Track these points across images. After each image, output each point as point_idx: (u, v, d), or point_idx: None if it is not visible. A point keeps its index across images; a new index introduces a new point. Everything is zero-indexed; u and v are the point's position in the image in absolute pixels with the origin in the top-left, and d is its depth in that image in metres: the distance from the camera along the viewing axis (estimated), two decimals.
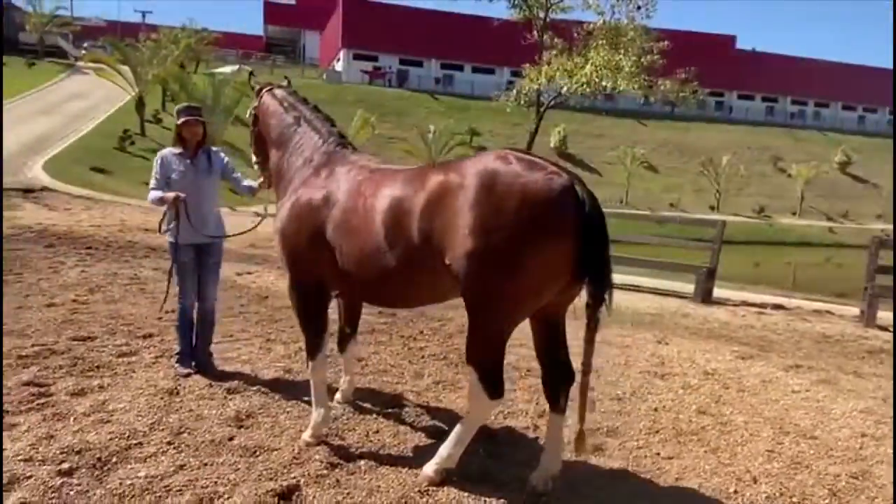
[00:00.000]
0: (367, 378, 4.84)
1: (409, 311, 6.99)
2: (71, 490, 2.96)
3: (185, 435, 3.62)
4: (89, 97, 28.62)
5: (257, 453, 3.48)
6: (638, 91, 15.73)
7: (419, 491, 3.20)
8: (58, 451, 3.28)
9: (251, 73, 4.84)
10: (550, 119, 41.50)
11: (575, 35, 18.43)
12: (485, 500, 3.16)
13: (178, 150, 4.52)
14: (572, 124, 46.01)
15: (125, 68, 24.42)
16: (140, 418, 3.77)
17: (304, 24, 68.19)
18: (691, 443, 4.08)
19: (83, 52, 34.45)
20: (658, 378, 5.35)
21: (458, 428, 3.31)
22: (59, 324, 5.65)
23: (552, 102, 19.51)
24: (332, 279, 3.60)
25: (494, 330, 3.07)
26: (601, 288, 2.96)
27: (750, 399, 4.97)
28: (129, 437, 3.53)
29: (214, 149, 4.72)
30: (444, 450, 3.30)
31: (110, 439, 3.47)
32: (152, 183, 4.46)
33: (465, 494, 3.20)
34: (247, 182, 4.68)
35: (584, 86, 15.76)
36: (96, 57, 26.84)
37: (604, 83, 15.71)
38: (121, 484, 3.04)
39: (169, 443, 3.50)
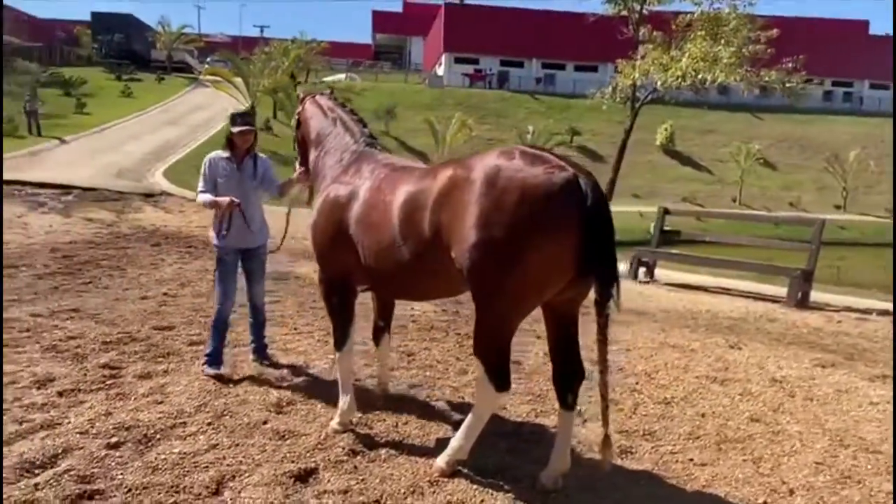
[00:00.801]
0: (410, 372, 4.96)
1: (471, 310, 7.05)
2: (112, 461, 3.28)
3: (226, 417, 3.89)
4: (209, 108, 30.84)
5: (286, 437, 3.69)
6: (738, 83, 14.82)
7: (429, 481, 3.27)
8: (111, 427, 3.63)
9: (297, 83, 5.08)
10: (656, 115, 40.09)
11: (673, 27, 17.69)
12: (492, 494, 3.18)
13: (226, 155, 4.67)
14: (680, 120, 44.09)
15: (239, 80, 26.24)
16: (190, 401, 4.09)
17: (410, 31, 69.80)
18: (733, 451, 3.87)
19: (206, 66, 37.15)
20: (716, 383, 5.09)
21: (467, 420, 3.36)
22: (146, 314, 6.19)
23: (648, 98, 18.81)
24: (357, 273, 3.73)
25: (497, 323, 3.10)
26: (607, 284, 2.92)
27: (815, 409, 4.62)
28: (175, 416, 3.85)
29: (261, 155, 4.87)
30: (454, 441, 3.36)
31: (159, 418, 3.80)
32: (201, 185, 4.62)
33: (474, 487, 3.23)
34: (277, 182, 4.77)
35: (680, 79, 15.09)
36: (214, 70, 28.92)
37: (700, 76, 14.96)
38: (156, 458, 3.33)
39: (209, 423, 3.79)
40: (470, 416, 3.36)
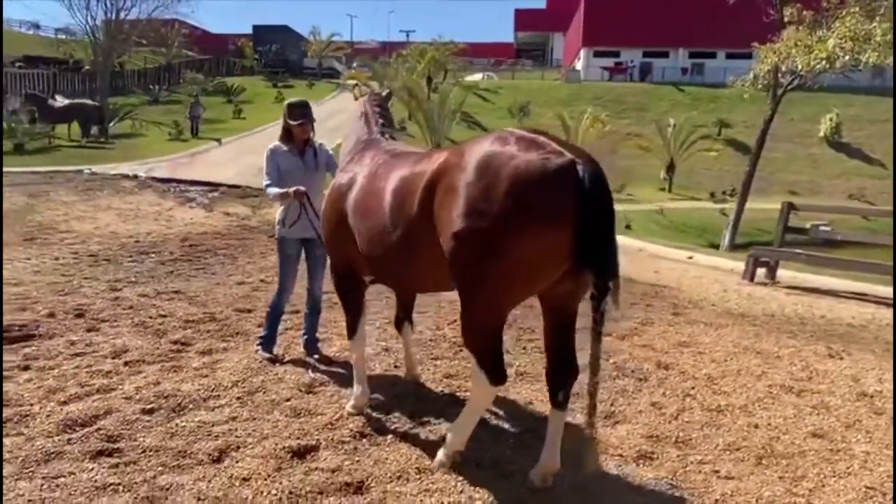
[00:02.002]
0: (453, 362, 4.94)
1: None
2: (140, 425, 3.60)
3: (258, 394, 4.13)
4: (348, 112, 32.35)
5: (301, 415, 3.84)
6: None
7: (417, 468, 3.26)
8: (152, 395, 3.99)
9: (356, 85, 5.23)
10: (822, 104, 36.42)
11: (824, 4, 15.91)
12: (474, 485, 3.11)
13: (286, 147, 4.71)
14: (851, 109, 39.71)
15: (375, 84, 27.44)
16: (231, 376, 4.38)
17: (552, 28, 68.99)
18: (773, 467, 3.46)
19: (351, 71, 39.27)
20: (790, 393, 4.57)
21: (463, 412, 3.30)
22: (236, 298, 6.70)
23: (793, 84, 17.08)
24: (359, 262, 3.70)
25: (482, 315, 3.00)
26: (603, 276, 2.71)
27: None
28: (212, 389, 4.14)
29: (319, 143, 4.89)
30: (449, 435, 3.31)
31: (197, 390, 4.11)
32: (266, 179, 4.64)
33: (461, 479, 3.17)
34: None
35: (824, 62, 13.46)
36: (352, 75, 30.45)
37: (846, 57, 13.24)
38: (178, 425, 3.62)
39: (238, 398, 4.04)
40: (465, 408, 3.30)
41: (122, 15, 30.72)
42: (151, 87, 35.63)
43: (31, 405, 3.76)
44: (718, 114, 39.46)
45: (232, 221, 13.04)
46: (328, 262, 4.24)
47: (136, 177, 18.00)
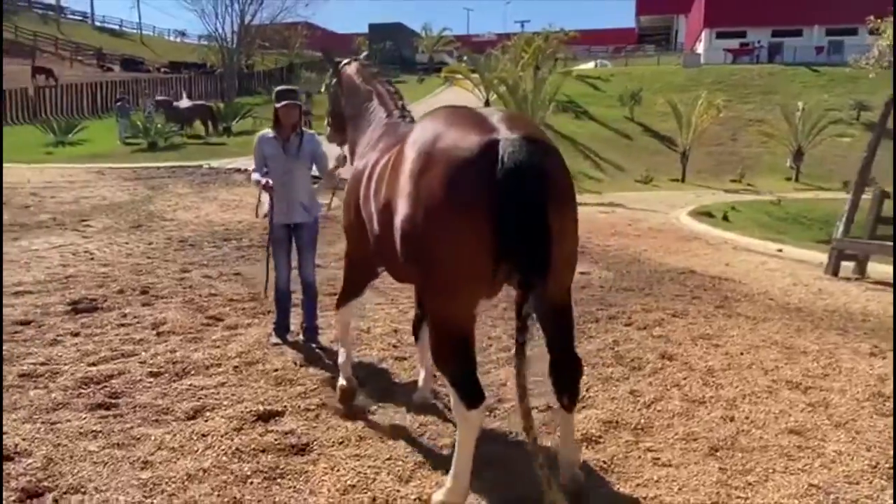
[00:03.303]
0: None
1: (617, 307, 6.84)
2: (142, 386, 4.10)
3: (256, 365, 4.52)
4: (452, 103, 32.95)
5: (282, 384, 4.19)
6: None
7: (360, 436, 3.49)
8: (163, 361, 4.50)
9: (326, 52, 4.94)
10: None
11: None
12: (402, 455, 3.28)
13: (272, 133, 4.85)
14: None
15: (476, 76, 27.72)
16: (239, 348, 4.81)
17: (676, 10, 65.73)
18: (723, 459, 3.35)
19: (462, 65, 39.79)
20: (796, 390, 4.31)
21: (455, 451, 2.82)
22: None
23: None
24: (371, 252, 3.42)
25: (437, 323, 2.71)
26: (527, 271, 2.38)
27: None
28: (217, 359, 4.59)
29: (309, 132, 5.04)
30: (449, 479, 2.81)
31: (204, 359, 4.57)
32: (253, 165, 4.94)
33: (392, 446, 3.37)
34: (329, 166, 4.86)
35: None
36: (451, 68, 30.86)
37: None
38: (172, 387, 4.08)
39: (235, 367, 4.46)
40: (456, 446, 2.81)
41: (247, 21, 33.06)
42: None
43: (64, 365, 4.38)
44: (856, 95, 35.96)
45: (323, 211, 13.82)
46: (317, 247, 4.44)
47: (246, 171, 19.46)
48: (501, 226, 2.38)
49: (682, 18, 64.93)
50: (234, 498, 2.85)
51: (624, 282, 7.79)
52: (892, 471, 3.22)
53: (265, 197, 4.86)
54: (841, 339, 5.51)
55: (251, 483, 2.99)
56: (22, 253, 8.32)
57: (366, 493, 2.94)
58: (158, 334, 5.11)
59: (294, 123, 4.90)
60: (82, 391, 3.96)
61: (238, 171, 19.34)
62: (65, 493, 2.86)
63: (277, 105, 4.82)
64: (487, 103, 28.33)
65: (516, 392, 2.42)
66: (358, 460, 3.24)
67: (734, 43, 46.47)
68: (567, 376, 2.82)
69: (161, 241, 9.64)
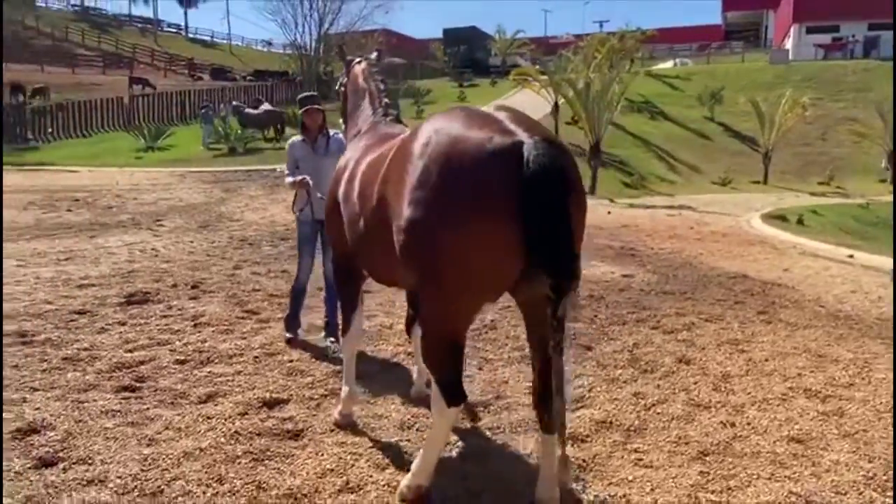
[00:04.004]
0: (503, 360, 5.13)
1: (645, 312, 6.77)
2: (167, 372, 4.41)
3: (275, 356, 4.77)
4: (525, 107, 32.89)
5: (294, 375, 4.41)
6: None
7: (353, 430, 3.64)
8: (192, 350, 4.82)
9: (340, 47, 5.18)
10: None
11: None
12: (386, 447, 3.41)
13: (301, 137, 5.16)
14: None
15: (545, 77, 27.54)
16: (264, 340, 5.09)
17: (765, 5, 62.76)
18: (709, 464, 3.28)
19: (536, 66, 39.61)
20: (812, 398, 4.14)
21: (426, 440, 2.99)
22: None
23: None
24: (350, 252, 3.43)
25: (434, 323, 2.69)
26: (558, 277, 2.36)
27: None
28: (241, 349, 4.87)
29: (333, 132, 5.22)
30: (414, 465, 2.93)
31: (229, 349, 4.87)
32: (286, 169, 5.20)
33: (378, 436, 3.49)
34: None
35: None
36: (522, 70, 30.73)
37: None
38: (194, 374, 4.37)
39: (255, 357, 4.72)
40: (427, 435, 2.99)
41: (325, 29, 34.21)
42: None
43: (104, 351, 4.77)
44: None
45: None
46: None
47: None
48: (530, 228, 2.35)
49: (772, 14, 61.97)
50: (219, 475, 3.07)
51: (667, 285, 7.62)
52: (889, 483, 3.07)
53: (302, 193, 5.08)
54: (882, 349, 5.21)
55: (239, 463, 3.20)
56: (96, 249, 9.02)
57: (341, 476, 3.09)
58: (195, 325, 5.47)
59: (319, 126, 5.17)
60: (113, 375, 4.32)
61: None
62: (74, 463, 3.16)
63: (300, 111, 5.15)
64: (556, 106, 28.06)
65: (554, 390, 2.48)
66: (342, 447, 3.39)
67: (826, 38, 43.90)
68: (552, 397, 2.64)
69: (223, 240, 10.19)
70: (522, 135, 2.44)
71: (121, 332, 5.23)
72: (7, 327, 5.21)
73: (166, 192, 16.59)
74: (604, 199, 19.65)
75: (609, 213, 16.40)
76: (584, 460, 3.30)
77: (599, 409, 3.94)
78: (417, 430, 3.63)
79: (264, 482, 3.03)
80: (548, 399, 2.69)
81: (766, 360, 4.86)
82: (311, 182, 4.96)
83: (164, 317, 5.73)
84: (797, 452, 3.39)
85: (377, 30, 44.33)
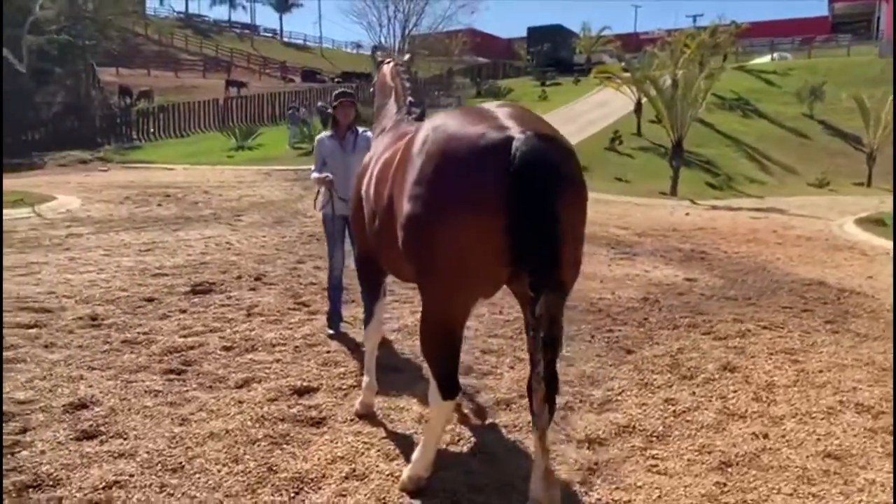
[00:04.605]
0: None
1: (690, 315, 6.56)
2: (213, 357, 4.64)
3: (315, 347, 4.93)
4: (609, 105, 32.14)
5: (328, 365, 4.54)
6: None
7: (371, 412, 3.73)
8: (239, 338, 5.06)
9: (375, 48, 5.26)
10: None
11: None
12: (400, 441, 3.47)
13: (330, 133, 5.23)
14: None
15: (628, 75, 26.77)
16: (308, 331, 5.27)
17: None
18: (728, 475, 3.14)
19: (620, 64, 38.69)
20: (863, 413, 3.87)
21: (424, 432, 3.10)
22: None
23: None
24: (372, 249, 3.44)
25: (430, 315, 2.75)
26: (537, 274, 2.35)
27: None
28: (286, 339, 5.07)
29: (362, 129, 5.27)
30: (414, 457, 3.03)
31: (274, 338, 5.07)
32: (313, 165, 5.29)
33: (393, 429, 3.56)
34: None
35: None
36: (602, 68, 29.98)
37: None
38: (236, 360, 4.59)
39: (296, 347, 4.90)
40: (425, 427, 3.10)
41: (408, 31, 34.79)
42: (434, 92, 39.69)
43: (161, 336, 5.09)
44: None
45: None
46: None
47: None
48: (514, 224, 2.35)
49: (885, 4, 57.55)
50: (236, 456, 3.23)
51: (731, 290, 7.29)
52: None
53: (325, 191, 5.22)
54: None
55: (258, 445, 3.35)
56: (176, 242, 9.60)
57: (350, 464, 3.18)
58: (248, 315, 5.73)
59: (350, 122, 5.26)
60: (164, 358, 4.60)
61: None
62: (111, 437, 3.41)
63: (334, 104, 5.22)
64: (639, 104, 27.29)
65: (533, 382, 2.46)
66: (357, 436, 3.48)
67: None
68: (550, 395, 2.57)
69: (293, 235, 10.58)
70: (515, 130, 2.44)
71: (179, 319, 5.56)
72: (81, 311, 5.67)
73: (250, 189, 17.38)
74: (684, 201, 18.96)
75: (687, 214, 15.82)
76: (595, 463, 3.24)
77: (625, 413, 3.84)
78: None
79: (276, 465, 3.16)
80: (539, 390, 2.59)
81: (821, 371, 4.58)
82: (334, 181, 5.01)
83: (223, 306, 6.04)
84: (830, 469, 3.19)
85: (460, 30, 44.63)
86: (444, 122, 2.64)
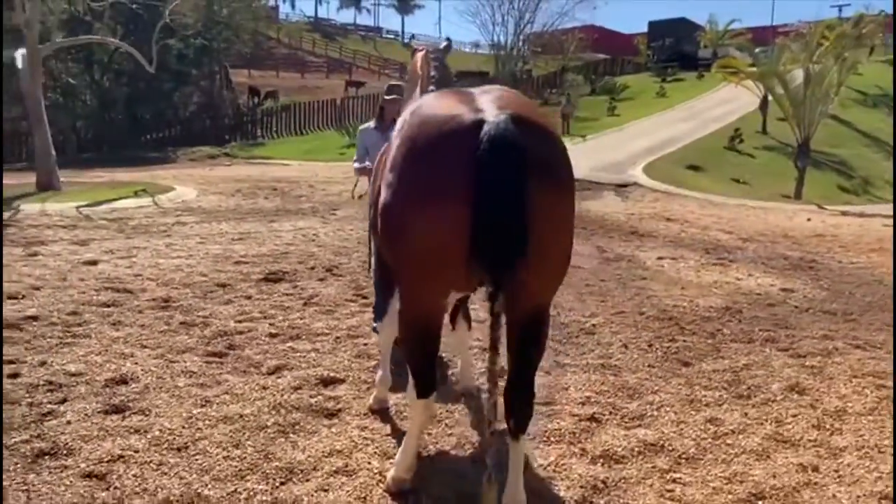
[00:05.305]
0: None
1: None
2: (256, 343, 4.77)
3: (355, 339, 4.92)
4: (733, 102, 30.08)
5: (360, 357, 4.52)
6: None
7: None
8: (287, 326, 5.15)
9: (410, 38, 5.07)
10: None
11: None
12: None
13: (373, 125, 5.19)
14: None
15: (754, 69, 24.82)
16: (353, 323, 5.28)
17: None
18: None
19: (747, 58, 36.17)
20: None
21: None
22: None
23: None
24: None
25: (403, 307, 2.67)
26: (492, 270, 2.19)
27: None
28: (331, 329, 5.10)
29: None
30: (396, 458, 2.95)
31: (320, 328, 5.13)
32: (356, 155, 5.24)
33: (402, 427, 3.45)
34: None
35: None
36: (724, 62, 28.00)
37: None
38: (275, 347, 4.68)
39: (337, 338, 4.91)
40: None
41: (521, 28, 34.45)
42: (547, 91, 39.09)
43: (218, 320, 5.30)
44: None
45: None
46: None
47: None
48: (474, 212, 2.20)
49: None
50: (239, 441, 3.26)
51: (832, 304, 6.54)
52: None
53: (363, 180, 5.20)
54: None
55: (264, 432, 3.37)
56: (269, 232, 10.04)
57: (344, 459, 3.12)
58: (305, 304, 5.85)
59: (394, 116, 5.21)
60: (211, 341, 4.78)
61: None
62: (134, 412, 3.57)
63: (386, 97, 5.19)
64: (765, 99, 25.36)
65: (487, 385, 2.31)
66: (362, 431, 3.42)
67: None
68: (516, 405, 2.55)
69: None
70: (489, 113, 2.27)
71: (241, 305, 5.77)
72: (158, 293, 6.03)
73: (353, 184, 17.89)
74: (810, 205, 17.36)
75: (809, 220, 14.45)
76: (603, 482, 2.97)
77: (657, 430, 3.51)
78: (446, 425, 3.53)
79: (273, 453, 3.16)
80: (511, 401, 2.54)
81: None
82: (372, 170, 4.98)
83: (285, 294, 6.21)
84: None
85: (578, 26, 43.61)
86: (420, 106, 2.56)
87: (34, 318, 5.12)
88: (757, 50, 28.36)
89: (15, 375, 3.95)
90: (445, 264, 2.36)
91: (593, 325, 5.41)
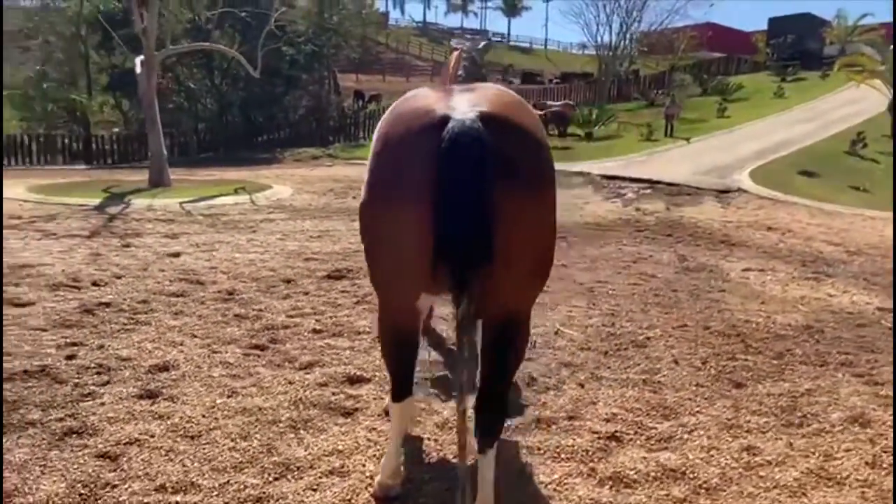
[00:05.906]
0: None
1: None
2: (298, 337, 4.87)
3: (366, 333, 4.93)
4: (860, 103, 27.52)
5: None
6: None
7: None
8: (332, 323, 5.23)
9: (451, 34, 4.89)
10: None
11: None
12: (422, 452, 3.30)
13: None
14: None
15: (884, 67, 22.53)
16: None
17: None
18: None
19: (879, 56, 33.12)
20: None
21: None
22: None
23: None
24: None
25: (380, 314, 2.65)
26: (454, 270, 2.11)
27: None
28: (372, 329, 5.13)
29: None
30: (382, 464, 2.89)
31: (363, 326, 5.16)
32: None
33: (414, 434, 3.39)
34: None
35: None
36: (849, 60, 25.60)
37: None
38: (314, 343, 4.75)
39: (376, 338, 4.89)
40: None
41: (626, 28, 33.43)
42: (654, 92, 37.65)
43: (271, 314, 5.46)
44: None
45: (623, 216, 13.31)
46: None
47: (587, 174, 19.88)
48: (434, 212, 2.14)
49: None
50: (248, 434, 3.33)
51: None
52: None
53: None
54: None
55: (274, 427, 3.42)
56: (346, 231, 10.23)
57: (342, 459, 3.10)
58: (356, 302, 5.92)
59: None
60: (258, 333, 4.94)
61: (579, 174, 19.81)
62: (165, 399, 3.73)
63: None
64: (895, 101, 23.12)
65: (458, 392, 2.28)
66: (369, 432, 3.39)
67: None
68: (484, 417, 2.45)
69: None
70: (458, 110, 2.19)
71: (296, 301, 5.93)
72: (225, 286, 6.32)
73: None
74: None
75: None
76: (616, 499, 2.77)
77: (682, 455, 3.24)
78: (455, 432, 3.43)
79: (275, 448, 3.20)
80: (481, 414, 2.45)
81: None
82: None
83: (342, 292, 6.31)
84: None
85: (691, 25, 41.78)
86: (399, 103, 2.51)
87: (108, 304, 5.51)
88: (892, 47, 25.94)
89: (71, 357, 4.26)
90: (411, 265, 2.29)
91: (647, 338, 5.11)
